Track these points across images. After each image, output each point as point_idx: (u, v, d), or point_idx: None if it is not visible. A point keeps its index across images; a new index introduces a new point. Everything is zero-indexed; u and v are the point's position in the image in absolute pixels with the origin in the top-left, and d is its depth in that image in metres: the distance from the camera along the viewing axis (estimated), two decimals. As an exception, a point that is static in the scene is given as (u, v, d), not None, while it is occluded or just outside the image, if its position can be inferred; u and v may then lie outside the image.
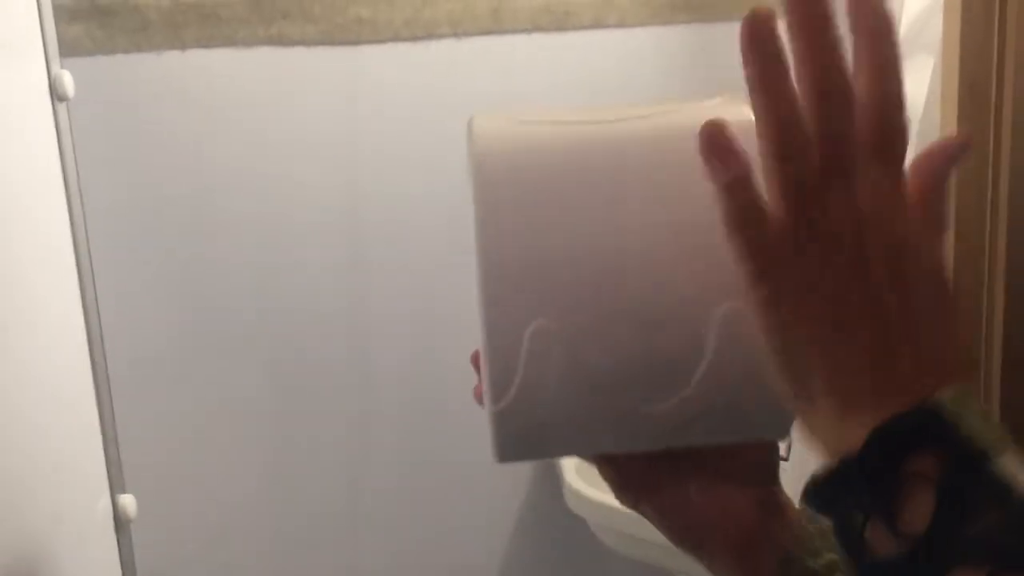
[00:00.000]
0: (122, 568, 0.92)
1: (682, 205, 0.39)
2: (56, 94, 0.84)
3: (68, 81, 0.84)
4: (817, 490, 0.34)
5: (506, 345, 0.40)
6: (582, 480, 1.41)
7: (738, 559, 0.47)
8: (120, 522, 0.91)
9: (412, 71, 1.43)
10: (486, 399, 0.42)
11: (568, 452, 0.47)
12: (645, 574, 1.51)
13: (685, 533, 0.49)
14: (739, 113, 0.39)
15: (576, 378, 0.40)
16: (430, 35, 1.42)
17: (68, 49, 0.87)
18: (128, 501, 0.91)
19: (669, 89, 1.49)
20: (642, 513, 0.49)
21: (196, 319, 1.30)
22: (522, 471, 1.60)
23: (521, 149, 0.42)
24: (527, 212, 0.41)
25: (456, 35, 1.42)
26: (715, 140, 0.36)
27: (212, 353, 1.33)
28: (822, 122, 0.35)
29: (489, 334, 0.41)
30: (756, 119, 0.35)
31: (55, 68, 0.84)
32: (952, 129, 0.82)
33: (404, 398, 1.52)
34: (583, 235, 0.40)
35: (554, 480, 1.50)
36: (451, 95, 1.45)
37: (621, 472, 0.48)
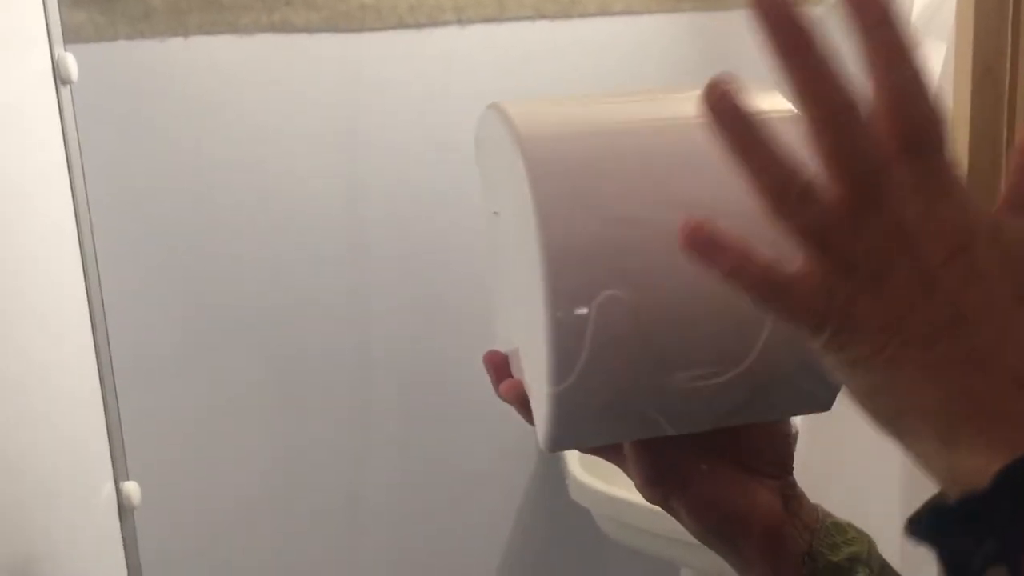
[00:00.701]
0: (125, 554, 0.91)
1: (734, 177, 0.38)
2: (59, 77, 0.83)
3: (71, 64, 0.83)
4: (930, 522, 0.31)
5: (572, 319, 0.38)
6: (586, 471, 1.41)
7: (766, 552, 0.47)
8: (124, 509, 0.91)
9: (415, 59, 1.42)
10: (543, 383, 0.40)
11: (620, 437, 0.44)
12: (648, 565, 1.50)
13: (715, 528, 0.47)
14: (774, 102, 0.39)
15: (643, 352, 0.39)
16: (434, 22, 1.41)
17: (71, 36, 0.86)
18: (132, 488, 0.91)
19: (675, 78, 1.48)
20: (669, 509, 0.48)
21: (199, 307, 1.29)
22: (525, 463, 1.60)
23: (562, 125, 0.42)
24: (582, 185, 0.39)
25: (460, 22, 1.41)
26: (698, 241, 0.33)
27: (215, 341, 1.33)
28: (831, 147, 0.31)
29: (553, 308, 0.38)
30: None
31: (58, 51, 0.83)
32: (964, 115, 0.81)
33: (406, 390, 1.51)
34: (643, 204, 0.39)
35: (557, 471, 1.50)
36: (455, 83, 1.44)
37: (656, 465, 0.47)
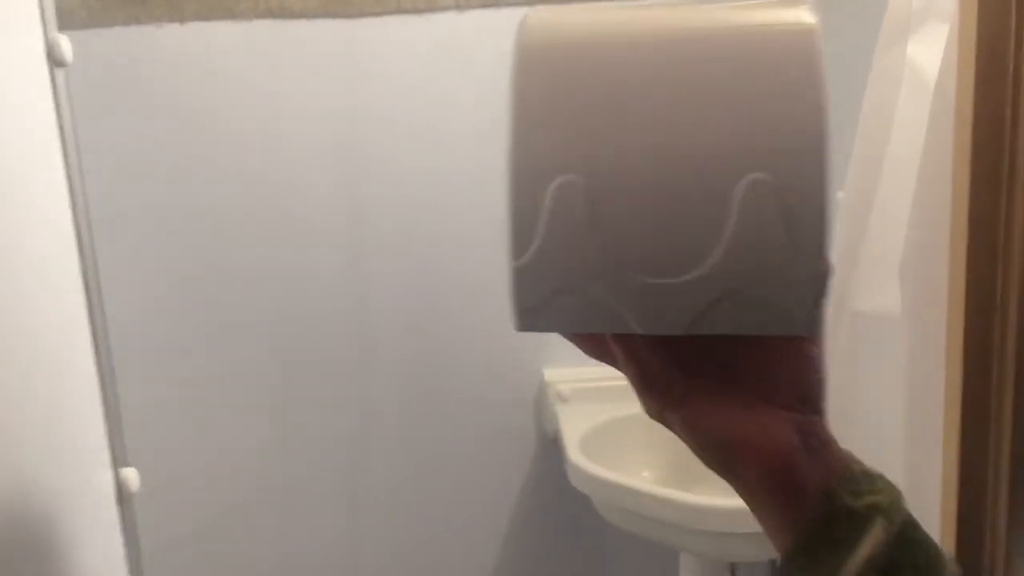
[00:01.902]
0: (125, 540, 0.91)
1: (713, 83, 0.40)
2: (53, 59, 0.82)
3: (66, 46, 0.82)
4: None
5: (530, 197, 0.41)
6: (585, 456, 1.41)
7: (775, 484, 0.45)
8: (123, 495, 0.90)
9: (413, 44, 1.41)
10: (508, 257, 0.43)
11: (587, 326, 0.45)
12: (648, 550, 1.51)
13: (717, 449, 0.46)
14: (796, 16, 0.41)
15: (598, 238, 0.41)
16: (431, 7, 1.40)
17: (65, 21, 0.85)
18: (130, 474, 0.91)
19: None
20: (667, 424, 0.47)
21: (197, 292, 1.29)
22: (525, 450, 1.60)
23: (565, 17, 0.45)
24: (562, 69, 0.42)
25: (458, 7, 1.40)
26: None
27: (214, 327, 1.32)
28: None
29: (514, 185, 0.41)
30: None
31: (52, 33, 0.82)
32: (968, 98, 0.80)
33: (405, 378, 1.51)
34: (614, 96, 0.41)
35: (557, 457, 1.50)
36: (452, 68, 1.43)
37: (643, 368, 0.46)
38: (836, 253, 1.07)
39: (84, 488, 0.86)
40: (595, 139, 0.41)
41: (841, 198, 1.06)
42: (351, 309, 1.46)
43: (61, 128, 0.83)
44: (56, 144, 0.83)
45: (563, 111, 0.41)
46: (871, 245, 1.02)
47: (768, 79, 0.40)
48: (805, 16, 0.41)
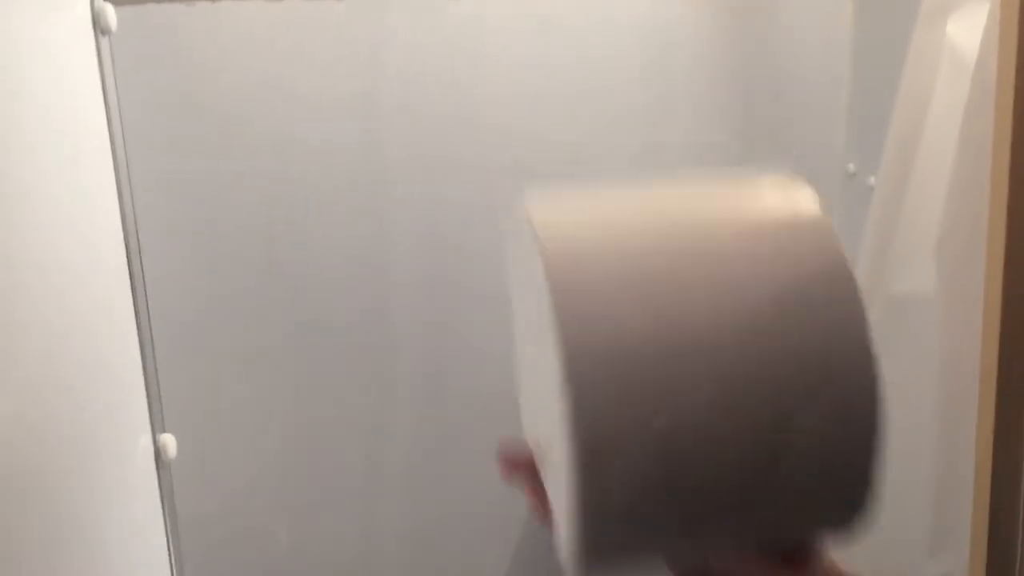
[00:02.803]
0: (162, 504, 0.92)
1: (747, 292, 0.39)
2: (99, 27, 0.83)
3: (111, 14, 0.83)
4: None
5: (596, 473, 0.38)
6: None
7: None
8: (161, 460, 0.91)
9: (442, 23, 1.41)
10: (567, 522, 0.40)
11: (648, 566, 0.43)
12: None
13: None
14: (801, 199, 0.42)
15: (675, 504, 0.39)
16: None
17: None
18: (168, 440, 0.92)
19: (704, 51, 1.46)
20: None
21: (233, 260, 1.29)
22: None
23: (588, 239, 0.41)
24: (611, 319, 0.39)
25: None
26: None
27: (249, 295, 1.32)
28: None
29: (579, 465, 0.37)
30: None
31: (98, 2, 0.83)
32: (1009, 77, 0.80)
33: (427, 360, 1.52)
34: (673, 333, 0.39)
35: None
36: (478, 51, 1.42)
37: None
38: (870, 233, 1.06)
39: (125, 451, 0.87)
40: (659, 400, 0.38)
41: (875, 180, 1.06)
42: (374, 297, 1.46)
43: (104, 93, 0.84)
44: (99, 106, 0.84)
45: (623, 377, 0.37)
46: (906, 226, 1.02)
47: (814, 300, 0.40)
48: (820, 215, 0.42)
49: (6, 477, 0.59)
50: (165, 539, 0.93)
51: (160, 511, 0.92)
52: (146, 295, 0.90)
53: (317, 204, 1.37)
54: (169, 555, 0.93)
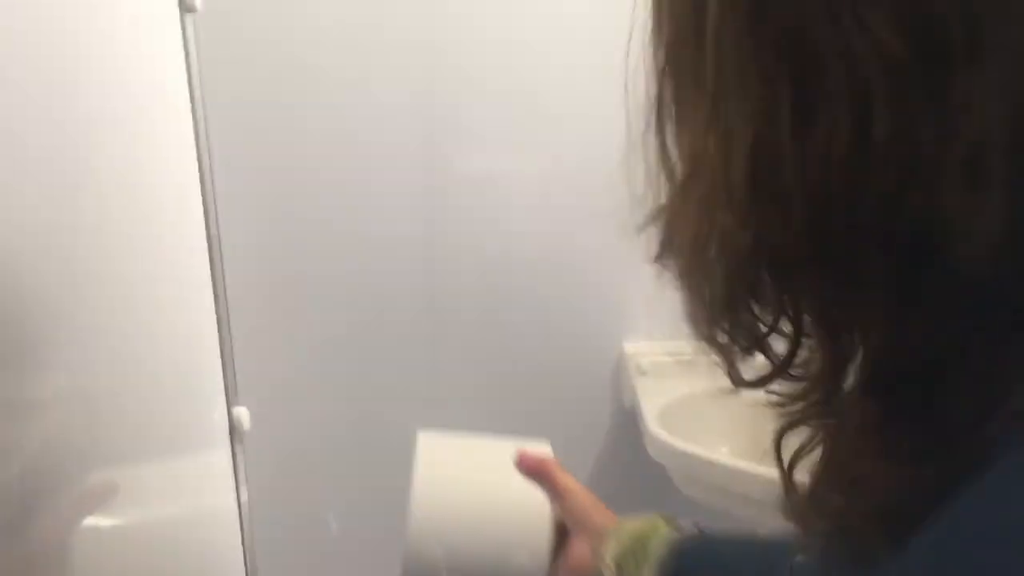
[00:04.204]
0: (235, 475, 0.94)
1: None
2: (184, 5, 0.84)
3: (196, -7, 0.85)
4: None
5: None
6: (663, 428, 1.41)
7: None
8: (235, 433, 0.93)
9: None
10: None
11: None
12: (725, 525, 1.50)
13: None
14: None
15: None
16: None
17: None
18: (242, 413, 0.94)
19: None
20: None
21: (303, 243, 1.30)
22: (601, 418, 1.60)
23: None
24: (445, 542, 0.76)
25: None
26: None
27: (319, 275, 1.33)
28: None
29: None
30: None
31: (183, -19, 0.85)
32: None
33: (482, 343, 1.52)
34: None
35: (634, 429, 1.50)
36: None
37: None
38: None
39: (200, 424, 0.89)
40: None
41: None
42: (425, 275, 1.47)
43: (188, 70, 0.86)
44: (185, 89, 0.85)
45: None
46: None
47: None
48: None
49: (78, 449, 0.61)
50: (237, 510, 0.95)
51: (233, 482, 0.94)
52: (223, 271, 0.91)
53: (390, 193, 1.37)
54: (240, 527, 0.95)
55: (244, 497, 0.95)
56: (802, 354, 0.36)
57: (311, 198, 1.29)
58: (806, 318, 0.35)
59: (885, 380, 0.34)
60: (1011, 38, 0.29)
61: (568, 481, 0.77)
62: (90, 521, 0.63)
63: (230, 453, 0.93)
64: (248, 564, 0.98)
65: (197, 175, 0.88)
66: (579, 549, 0.74)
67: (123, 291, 0.70)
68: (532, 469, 0.77)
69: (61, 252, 0.59)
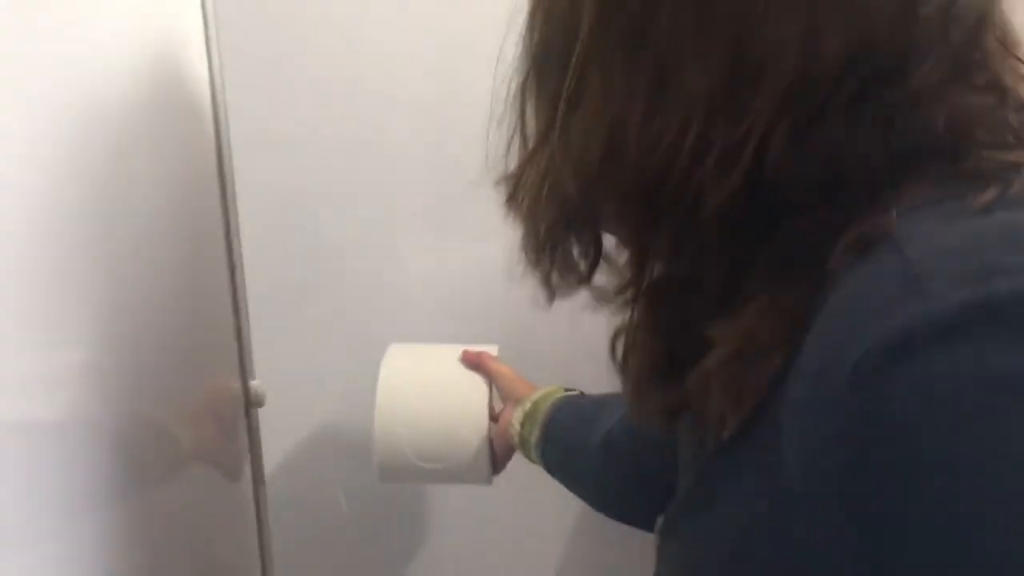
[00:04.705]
0: (251, 449, 0.95)
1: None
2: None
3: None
4: None
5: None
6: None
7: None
8: (250, 406, 0.93)
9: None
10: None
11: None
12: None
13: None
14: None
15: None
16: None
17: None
18: (258, 387, 0.94)
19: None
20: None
21: (320, 219, 1.29)
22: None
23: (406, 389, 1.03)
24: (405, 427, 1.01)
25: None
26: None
27: (333, 252, 1.32)
28: None
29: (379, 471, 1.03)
30: None
31: (203, -49, 0.84)
32: None
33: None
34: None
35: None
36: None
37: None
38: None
39: (216, 396, 0.89)
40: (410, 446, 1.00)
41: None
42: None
43: (208, 46, 0.85)
44: (204, 62, 0.85)
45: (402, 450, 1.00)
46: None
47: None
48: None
49: (94, 426, 0.61)
50: (252, 486, 0.96)
51: (248, 458, 0.95)
52: (240, 243, 0.91)
53: (408, 164, 1.35)
54: (256, 504, 0.95)
55: (258, 473, 0.95)
56: (603, 271, 0.51)
57: (330, 174, 1.28)
58: (612, 248, 0.50)
59: (671, 283, 0.48)
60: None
61: (500, 367, 1.00)
62: (101, 500, 0.63)
63: (246, 428, 0.94)
64: (262, 536, 0.99)
65: (215, 151, 0.87)
66: (506, 415, 0.96)
67: (133, 266, 0.70)
68: (472, 361, 1.02)
69: (91, 231, 0.59)
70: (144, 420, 0.71)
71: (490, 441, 0.98)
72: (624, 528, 0.81)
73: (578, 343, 0.96)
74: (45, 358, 0.54)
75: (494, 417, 1.00)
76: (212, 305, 0.89)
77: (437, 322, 1.31)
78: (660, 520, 0.56)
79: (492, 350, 1.03)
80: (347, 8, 1.24)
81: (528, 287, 0.53)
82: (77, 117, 0.59)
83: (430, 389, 1.00)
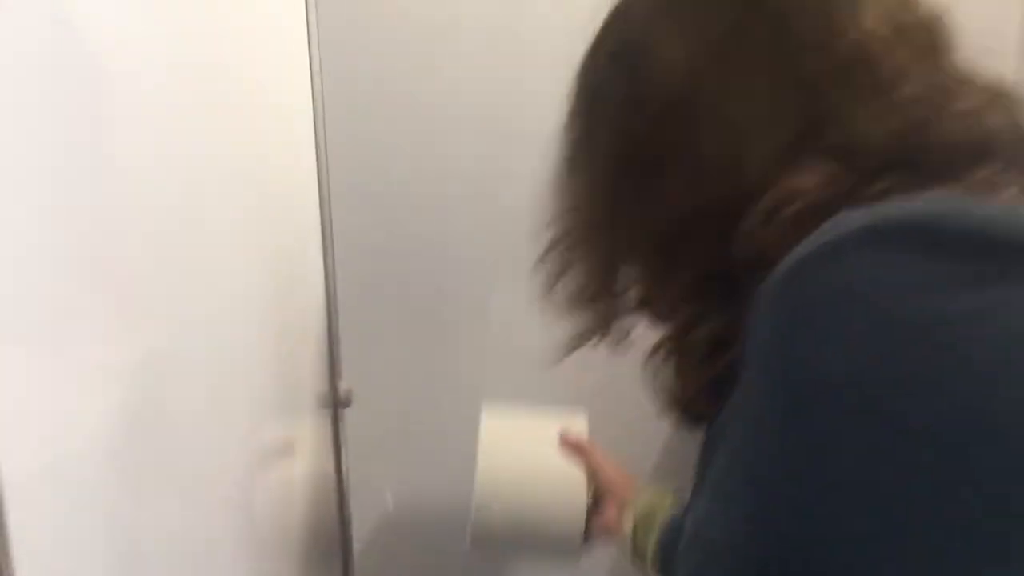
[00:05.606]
0: (335, 448, 0.96)
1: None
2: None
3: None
4: None
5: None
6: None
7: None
8: (337, 406, 0.94)
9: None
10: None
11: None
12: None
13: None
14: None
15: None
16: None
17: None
18: (345, 388, 0.95)
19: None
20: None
21: (412, 225, 1.29)
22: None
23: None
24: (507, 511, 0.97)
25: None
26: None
27: (424, 255, 1.32)
28: None
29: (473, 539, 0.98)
30: None
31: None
32: None
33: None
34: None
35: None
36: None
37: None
38: None
39: (301, 398, 0.90)
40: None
41: None
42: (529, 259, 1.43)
43: (310, 47, 0.86)
44: (305, 63, 0.85)
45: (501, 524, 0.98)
46: None
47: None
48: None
49: (174, 423, 0.62)
50: (338, 485, 0.97)
51: (333, 458, 0.96)
52: (333, 244, 0.92)
53: (498, 171, 1.34)
54: (339, 502, 0.96)
55: (344, 468, 0.96)
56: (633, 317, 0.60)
57: (424, 178, 1.27)
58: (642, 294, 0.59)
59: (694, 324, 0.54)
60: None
61: (599, 459, 0.98)
62: (187, 500, 0.65)
63: (331, 427, 0.95)
64: (344, 531, 1.00)
65: (313, 151, 0.88)
66: (610, 514, 0.95)
67: (227, 263, 0.71)
68: (571, 449, 0.99)
69: (185, 233, 0.60)
70: (234, 417, 0.72)
71: (584, 529, 0.96)
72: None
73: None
74: (129, 354, 0.55)
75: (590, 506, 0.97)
76: (304, 305, 0.90)
77: (524, 334, 1.28)
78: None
79: (582, 421, 1.01)
80: (446, 20, 1.23)
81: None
82: (187, 116, 0.60)
83: (530, 477, 0.98)
